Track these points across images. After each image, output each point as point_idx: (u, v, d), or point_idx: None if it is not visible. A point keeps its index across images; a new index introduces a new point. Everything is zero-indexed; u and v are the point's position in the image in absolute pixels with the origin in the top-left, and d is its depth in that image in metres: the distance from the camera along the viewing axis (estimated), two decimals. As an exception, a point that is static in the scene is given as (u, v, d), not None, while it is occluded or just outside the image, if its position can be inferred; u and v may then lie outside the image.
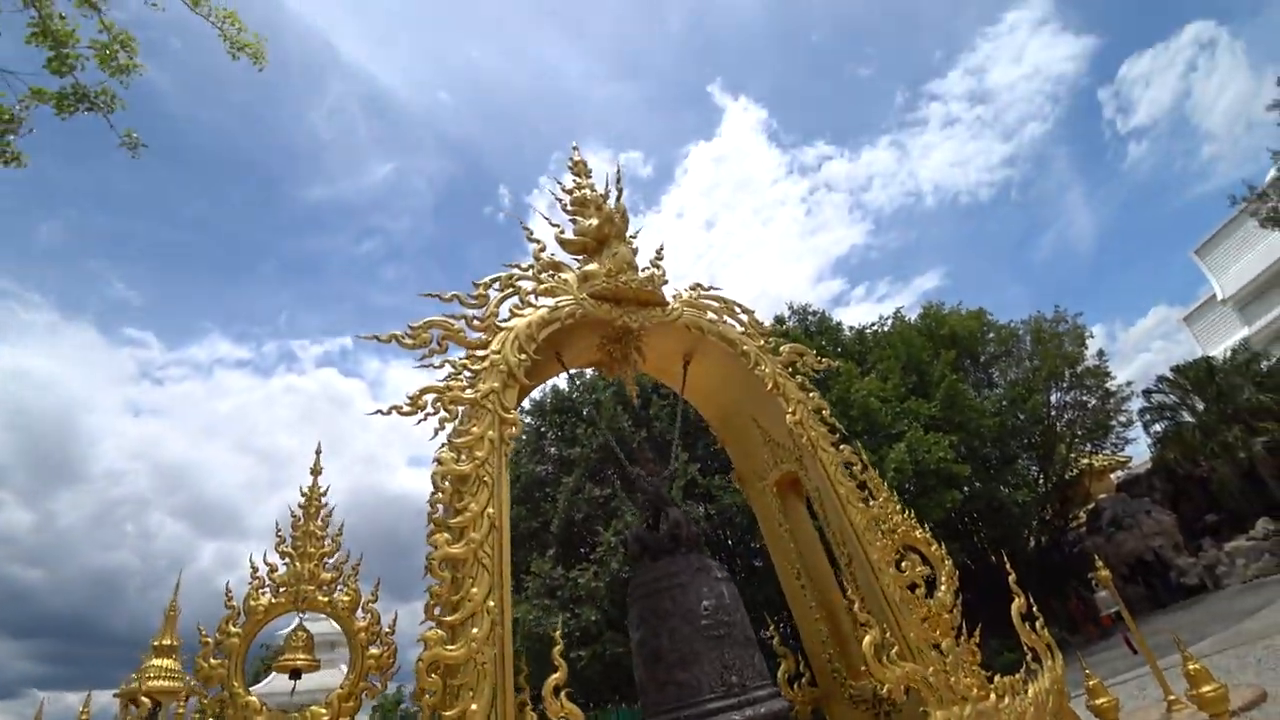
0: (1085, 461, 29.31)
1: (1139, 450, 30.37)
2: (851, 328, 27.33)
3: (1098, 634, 21.58)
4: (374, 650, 3.93)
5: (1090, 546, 23.56)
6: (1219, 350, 27.79)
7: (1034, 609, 5.71)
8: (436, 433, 4.39)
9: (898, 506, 5.57)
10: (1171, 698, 6.50)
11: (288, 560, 4.03)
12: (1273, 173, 24.13)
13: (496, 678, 3.63)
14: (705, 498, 19.58)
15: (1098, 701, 5.30)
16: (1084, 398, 26.46)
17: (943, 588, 5.48)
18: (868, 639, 4.43)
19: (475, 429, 4.30)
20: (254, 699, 3.68)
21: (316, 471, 4.25)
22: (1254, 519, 20.89)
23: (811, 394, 5.56)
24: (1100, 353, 26.67)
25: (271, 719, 3.60)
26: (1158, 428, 25.09)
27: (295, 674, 3.98)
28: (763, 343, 5.67)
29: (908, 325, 26.52)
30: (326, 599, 3.92)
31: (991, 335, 27.67)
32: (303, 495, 4.22)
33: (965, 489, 20.23)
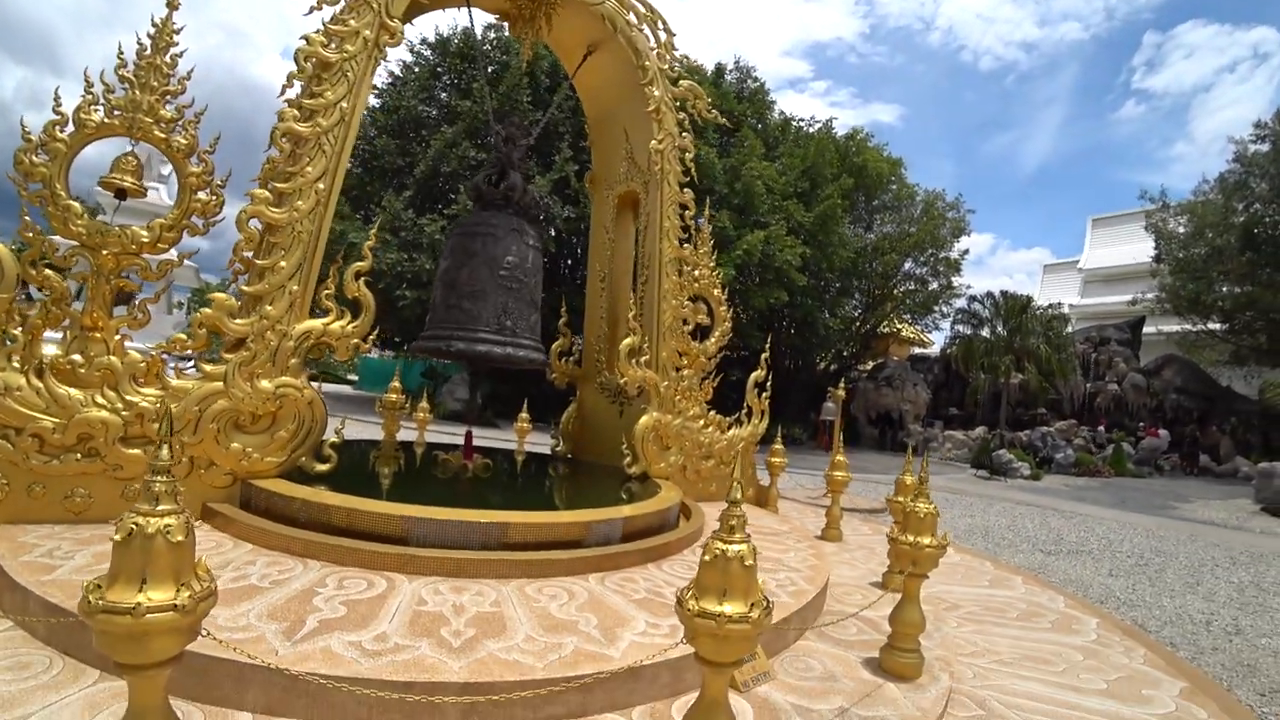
0: (899, 327, 33.21)
1: (939, 338, 34.76)
2: (783, 113, 26.85)
3: (829, 445, 26.22)
4: (202, 195, 4.04)
5: (861, 389, 27.69)
6: (1045, 302, 30.97)
7: (769, 383, 6.99)
8: (312, 10, 4.25)
9: (710, 261, 6.32)
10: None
11: (127, 86, 3.85)
12: (1189, 196, 25.79)
13: (308, 249, 4.06)
14: (573, 201, 19.81)
15: (773, 459, 6.88)
16: (929, 277, 29.03)
17: (713, 339, 6.51)
18: (627, 340, 5.36)
19: (352, 22, 4.22)
20: (75, 203, 3.74)
21: (174, 5, 3.95)
22: (976, 425, 26.06)
23: (685, 135, 5.87)
24: (965, 252, 28.85)
25: (91, 225, 3.73)
26: (961, 329, 28.84)
27: (120, 194, 4.06)
28: (666, 67, 5.76)
29: (829, 137, 26.53)
30: (163, 136, 3.86)
31: (894, 187, 28.57)
32: (153, 26, 3.95)
33: (796, 298, 22.18)
